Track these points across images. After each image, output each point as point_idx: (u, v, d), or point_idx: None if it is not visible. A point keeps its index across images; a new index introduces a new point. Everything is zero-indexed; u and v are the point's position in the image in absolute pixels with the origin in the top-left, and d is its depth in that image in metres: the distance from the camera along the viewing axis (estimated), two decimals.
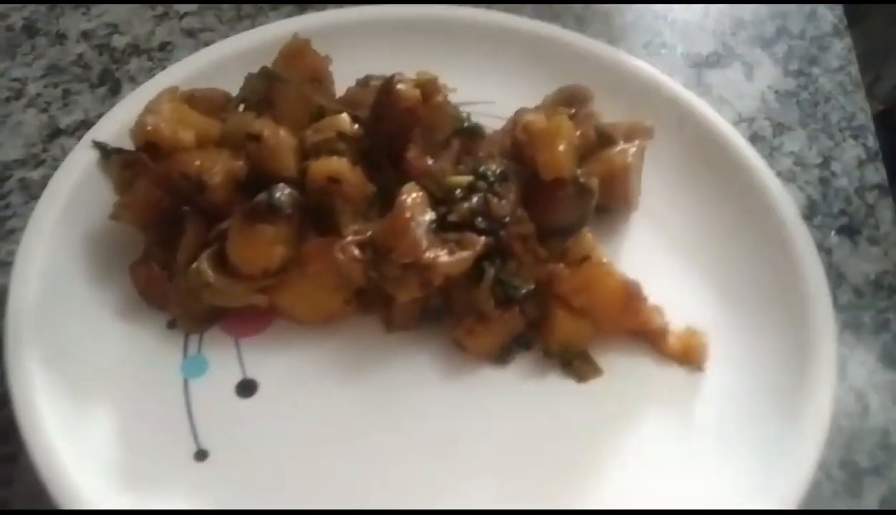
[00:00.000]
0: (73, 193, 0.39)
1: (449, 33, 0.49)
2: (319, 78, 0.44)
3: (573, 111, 0.43)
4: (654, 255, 0.41)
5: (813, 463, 0.32)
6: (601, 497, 0.34)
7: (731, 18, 0.57)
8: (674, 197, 0.43)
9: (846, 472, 0.36)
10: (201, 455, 0.34)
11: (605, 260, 0.38)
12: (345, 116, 0.40)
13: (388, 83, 0.40)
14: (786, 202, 0.41)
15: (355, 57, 0.45)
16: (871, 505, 0.35)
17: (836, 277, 0.43)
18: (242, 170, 0.38)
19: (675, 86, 0.47)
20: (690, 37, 0.56)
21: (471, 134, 0.43)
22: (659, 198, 0.43)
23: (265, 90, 0.43)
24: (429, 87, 0.42)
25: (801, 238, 0.40)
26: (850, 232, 0.46)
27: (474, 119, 0.43)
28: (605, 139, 0.43)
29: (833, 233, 0.46)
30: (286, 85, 0.43)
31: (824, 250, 0.44)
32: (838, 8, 0.58)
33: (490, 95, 0.46)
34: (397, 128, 0.40)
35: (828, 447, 0.36)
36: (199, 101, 0.41)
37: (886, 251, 0.45)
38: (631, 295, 0.37)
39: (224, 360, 0.37)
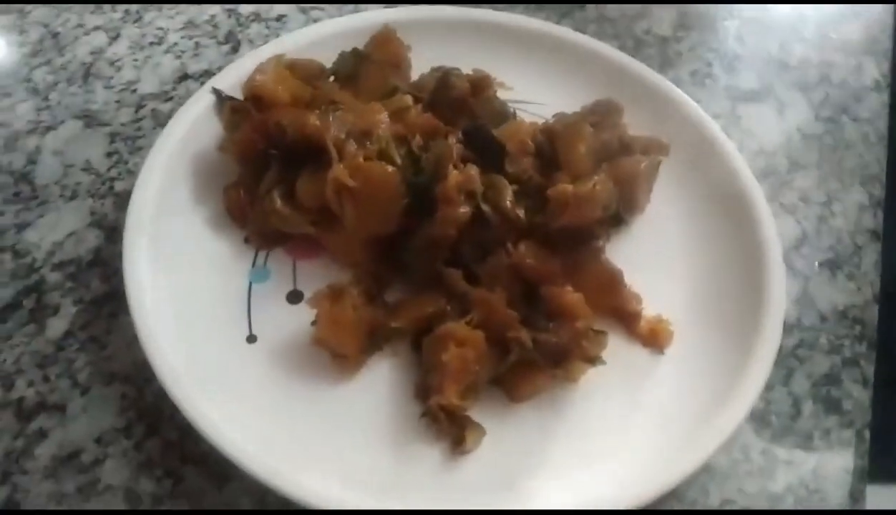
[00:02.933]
0: (191, 126, 0.50)
1: (516, 38, 0.57)
2: (399, 62, 0.53)
3: (602, 120, 0.51)
4: (643, 251, 0.48)
5: (730, 438, 0.40)
6: (570, 431, 0.41)
7: (778, 61, 0.63)
8: (673, 207, 0.50)
9: (764, 457, 0.42)
10: (252, 338, 0.44)
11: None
12: (408, 97, 0.49)
13: (445, 75, 0.48)
14: (769, 224, 0.47)
15: (434, 49, 0.53)
16: (779, 487, 0.41)
17: (807, 301, 0.49)
18: None
19: (698, 111, 0.53)
20: (735, 72, 0.61)
21: None
22: (661, 206, 0.50)
23: (353, 67, 0.52)
24: (480, 83, 0.50)
25: (774, 258, 0.45)
26: (832, 265, 0.50)
27: (521, 116, 0.52)
28: (625, 148, 0.50)
29: (816, 263, 0.50)
30: (370, 64, 0.52)
31: (803, 276, 0.50)
32: (885, 63, 0.62)
33: (539, 97, 0.54)
34: (449, 114, 0.49)
35: (756, 435, 0.43)
36: (299, 69, 0.51)
37: (860, 287, 0.49)
38: (613, 280, 0.45)
39: (282, 274, 0.46)
